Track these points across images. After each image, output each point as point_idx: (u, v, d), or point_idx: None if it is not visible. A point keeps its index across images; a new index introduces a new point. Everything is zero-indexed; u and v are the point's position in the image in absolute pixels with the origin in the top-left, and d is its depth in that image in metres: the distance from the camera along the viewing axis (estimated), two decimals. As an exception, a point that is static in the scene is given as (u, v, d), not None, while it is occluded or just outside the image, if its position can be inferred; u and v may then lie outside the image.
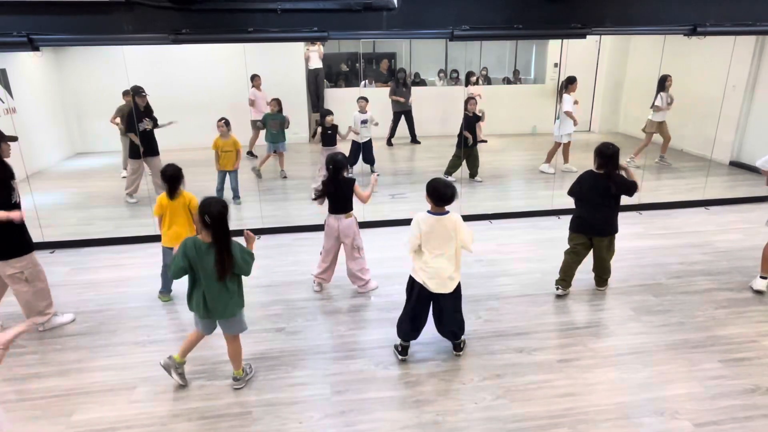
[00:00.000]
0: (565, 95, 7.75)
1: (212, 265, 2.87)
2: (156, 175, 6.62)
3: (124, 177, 7.80)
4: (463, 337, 3.60)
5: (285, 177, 7.99)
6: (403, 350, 3.52)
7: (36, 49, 4.31)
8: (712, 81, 7.75)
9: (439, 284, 3.30)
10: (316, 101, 10.67)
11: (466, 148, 7.38)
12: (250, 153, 9.14)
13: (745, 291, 4.35)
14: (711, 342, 3.66)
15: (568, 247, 4.30)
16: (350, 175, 7.34)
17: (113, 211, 6.61)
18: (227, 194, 6.72)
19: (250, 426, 2.95)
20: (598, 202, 4.06)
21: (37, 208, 5.56)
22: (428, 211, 3.30)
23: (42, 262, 5.05)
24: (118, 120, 7.29)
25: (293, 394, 3.19)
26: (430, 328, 3.78)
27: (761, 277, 4.31)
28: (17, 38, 4.17)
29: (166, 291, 4.33)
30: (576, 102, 7.84)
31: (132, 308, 4.25)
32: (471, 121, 7.38)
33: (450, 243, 3.27)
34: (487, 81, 11.82)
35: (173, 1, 4.22)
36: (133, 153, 6.63)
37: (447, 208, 3.30)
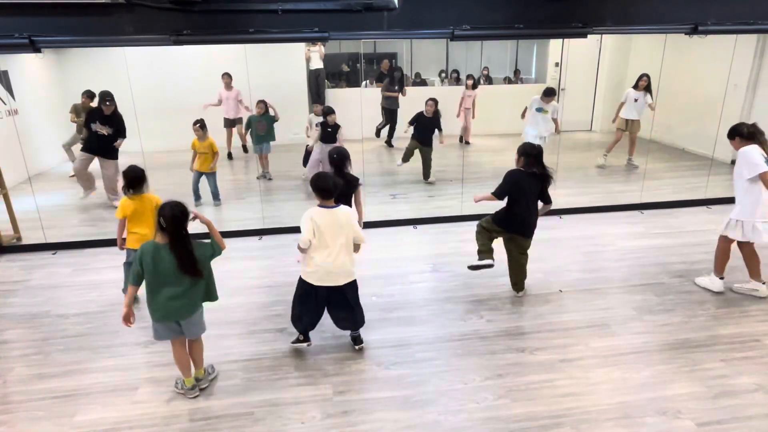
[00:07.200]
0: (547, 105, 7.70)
1: (173, 266, 2.89)
2: (107, 178, 6.52)
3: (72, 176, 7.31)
4: (360, 331, 3.65)
5: (270, 179, 7.85)
6: (305, 339, 3.59)
7: (37, 50, 4.32)
8: (713, 80, 7.73)
9: (331, 278, 3.34)
10: (317, 101, 10.67)
11: (423, 148, 7.45)
12: (229, 155, 9.00)
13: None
14: (713, 341, 3.66)
15: (482, 224, 4.19)
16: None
17: (115, 211, 6.60)
18: (206, 196, 6.72)
19: (252, 426, 2.95)
20: (532, 201, 4.01)
21: (39, 210, 5.59)
22: (318, 206, 3.32)
23: (44, 263, 5.14)
24: (74, 119, 7.22)
25: (295, 395, 3.20)
26: (428, 329, 3.79)
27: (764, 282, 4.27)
28: (18, 40, 4.18)
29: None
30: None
31: (134, 309, 4.23)
32: (426, 123, 7.36)
33: (342, 236, 3.28)
34: (489, 81, 11.81)
35: (174, 2, 4.22)
36: (85, 147, 6.54)
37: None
